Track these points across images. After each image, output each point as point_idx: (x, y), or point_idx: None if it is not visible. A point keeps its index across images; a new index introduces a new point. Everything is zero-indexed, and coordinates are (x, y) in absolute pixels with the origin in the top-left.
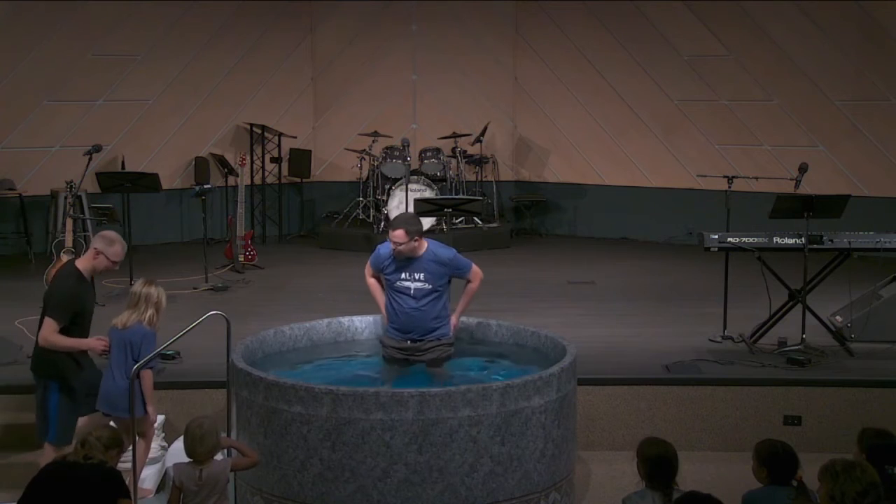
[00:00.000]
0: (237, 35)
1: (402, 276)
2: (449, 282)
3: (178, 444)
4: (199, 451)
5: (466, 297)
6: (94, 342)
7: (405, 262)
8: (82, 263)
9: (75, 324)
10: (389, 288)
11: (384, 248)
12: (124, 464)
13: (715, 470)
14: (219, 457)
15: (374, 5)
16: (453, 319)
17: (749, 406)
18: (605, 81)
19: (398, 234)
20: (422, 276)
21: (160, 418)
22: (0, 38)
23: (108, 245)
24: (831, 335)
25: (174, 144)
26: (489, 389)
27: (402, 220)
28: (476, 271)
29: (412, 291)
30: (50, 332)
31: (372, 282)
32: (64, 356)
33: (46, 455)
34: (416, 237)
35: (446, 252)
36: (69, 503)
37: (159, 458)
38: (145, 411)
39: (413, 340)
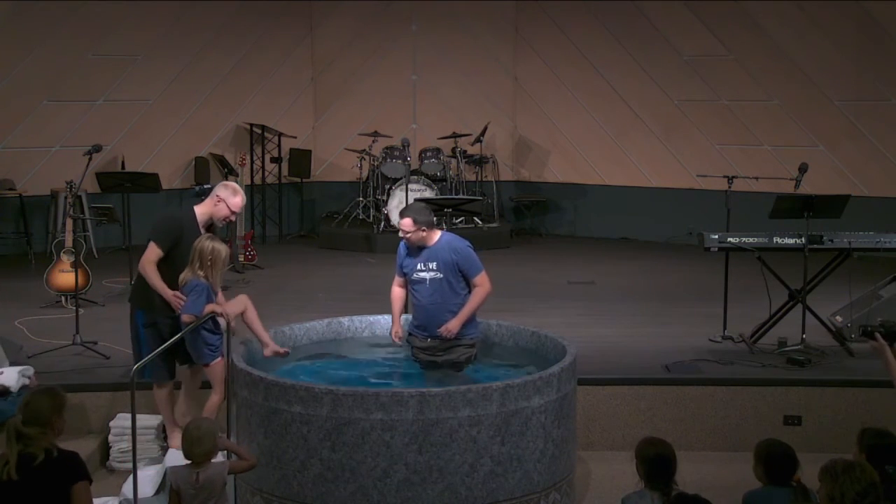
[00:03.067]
0: (237, 35)
1: (418, 266)
2: (465, 278)
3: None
4: (196, 452)
5: (472, 301)
6: (172, 298)
7: (421, 252)
8: (200, 208)
9: (175, 260)
10: (409, 283)
11: (402, 245)
12: (124, 464)
13: (715, 470)
14: (218, 458)
15: (374, 5)
16: (452, 321)
17: (749, 406)
18: (605, 81)
19: (405, 222)
20: (434, 265)
21: (159, 418)
22: (0, 38)
23: (231, 194)
24: (831, 335)
25: (174, 144)
26: (489, 389)
27: (411, 209)
28: (484, 280)
29: (427, 282)
30: (148, 258)
31: (394, 291)
32: (154, 293)
33: (157, 398)
34: (424, 227)
35: (460, 242)
36: None
37: (159, 458)
38: (218, 357)
39: (434, 338)
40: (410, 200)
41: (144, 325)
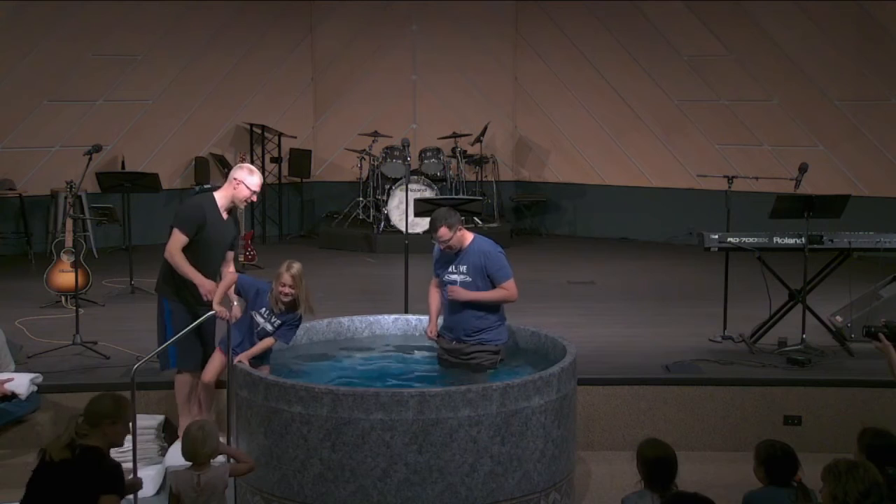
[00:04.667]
0: (237, 35)
1: (450, 268)
2: (493, 283)
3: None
4: (200, 452)
5: (492, 291)
6: (203, 282)
7: (453, 255)
8: (219, 193)
9: (201, 244)
10: (442, 284)
11: (435, 249)
12: (124, 464)
13: (715, 470)
14: (219, 460)
15: (374, 5)
16: (462, 290)
17: (749, 406)
18: (605, 81)
19: (441, 232)
20: (465, 268)
21: (159, 418)
22: (0, 38)
23: (248, 174)
24: (831, 335)
25: (174, 144)
26: (489, 389)
27: (440, 217)
28: (511, 286)
29: (458, 285)
30: (173, 245)
31: (430, 292)
32: (184, 282)
33: (178, 384)
34: (458, 227)
35: (492, 247)
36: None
37: (159, 458)
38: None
39: (458, 341)
40: (410, 200)
41: (171, 314)
